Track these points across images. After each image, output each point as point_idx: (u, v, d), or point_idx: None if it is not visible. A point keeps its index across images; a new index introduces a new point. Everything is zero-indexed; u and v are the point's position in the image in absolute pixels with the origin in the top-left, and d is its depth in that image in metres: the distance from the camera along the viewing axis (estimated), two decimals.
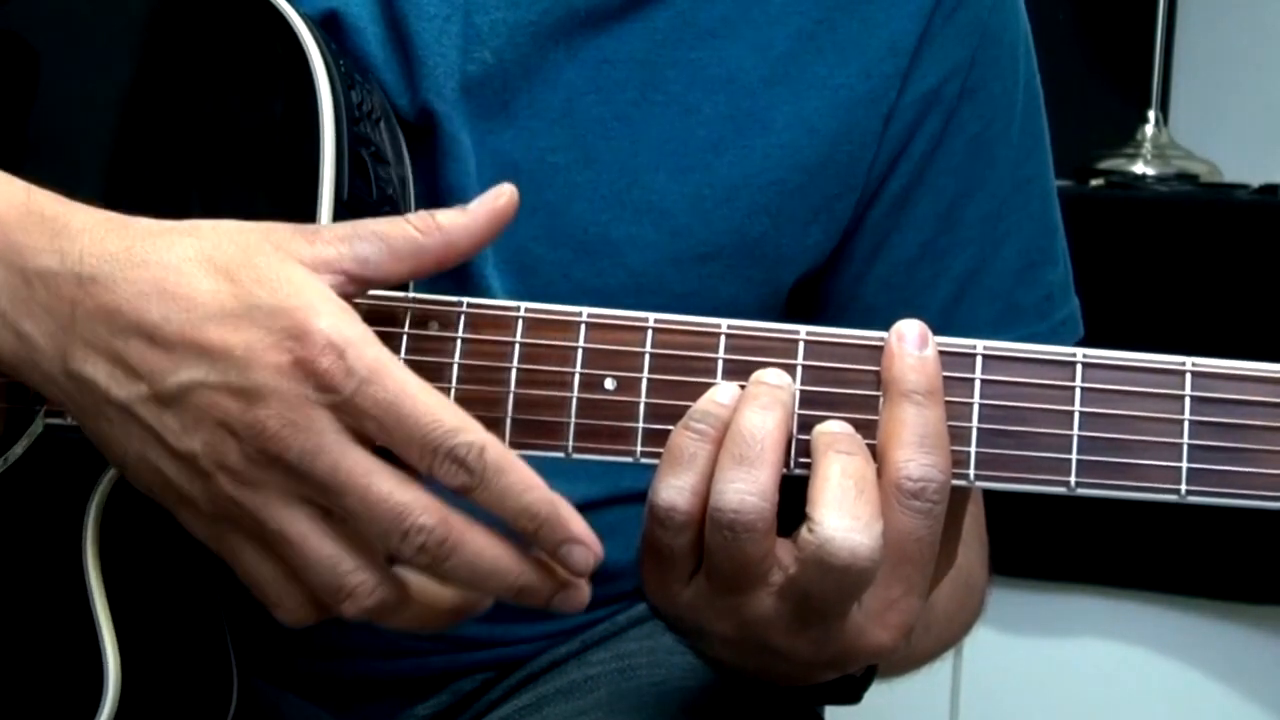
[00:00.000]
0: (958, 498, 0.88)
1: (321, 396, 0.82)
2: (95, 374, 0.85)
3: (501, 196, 0.88)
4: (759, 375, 0.87)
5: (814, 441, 0.87)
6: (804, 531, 0.84)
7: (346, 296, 0.85)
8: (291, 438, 0.82)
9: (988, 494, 1.12)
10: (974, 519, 1.15)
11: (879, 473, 0.86)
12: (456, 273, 1.02)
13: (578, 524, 0.85)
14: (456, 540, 0.84)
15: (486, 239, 0.88)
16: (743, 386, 0.87)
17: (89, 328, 0.85)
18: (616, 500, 1.13)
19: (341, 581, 0.85)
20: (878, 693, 0.99)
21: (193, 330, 0.83)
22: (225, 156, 0.96)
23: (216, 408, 0.83)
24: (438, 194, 1.04)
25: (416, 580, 0.87)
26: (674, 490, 0.86)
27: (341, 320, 0.83)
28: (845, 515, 0.84)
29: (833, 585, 0.84)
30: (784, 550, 0.86)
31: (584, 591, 0.87)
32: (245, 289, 0.83)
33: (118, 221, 0.87)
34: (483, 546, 0.85)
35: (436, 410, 0.83)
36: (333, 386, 0.82)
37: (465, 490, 0.83)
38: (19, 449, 0.94)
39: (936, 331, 0.88)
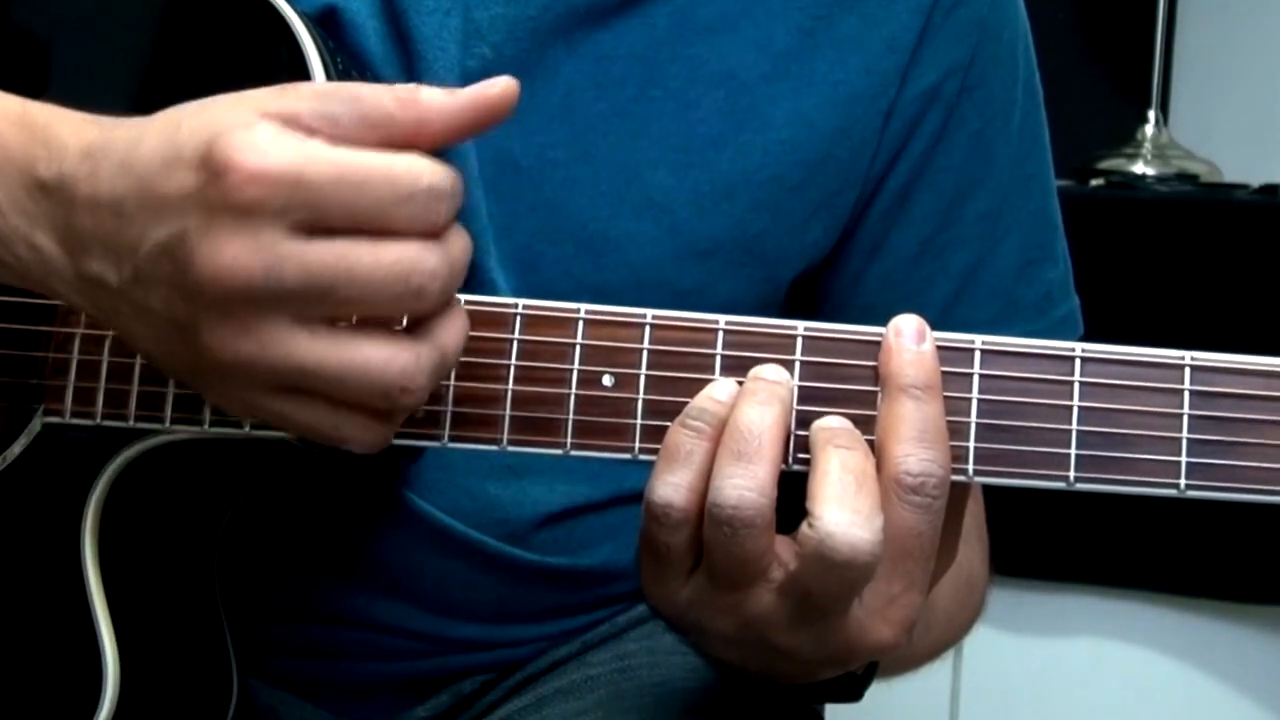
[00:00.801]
0: (958, 493, 0.88)
1: (258, 209, 0.78)
2: (96, 268, 0.83)
3: (494, 87, 0.82)
4: (757, 371, 0.87)
5: (813, 437, 0.87)
6: (804, 527, 0.84)
7: None
8: (249, 264, 0.78)
9: (987, 492, 1.12)
10: (974, 517, 1.15)
11: (878, 468, 0.86)
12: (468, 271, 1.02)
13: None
14: (452, 263, 0.81)
15: (466, 128, 0.82)
16: (740, 382, 0.87)
17: (82, 224, 0.83)
18: (619, 501, 1.13)
19: (384, 379, 0.81)
20: (878, 692, 0.99)
21: (142, 192, 0.80)
22: None
23: (178, 265, 0.79)
24: None
25: (437, 320, 0.83)
26: (670, 487, 0.85)
27: (256, 130, 0.78)
28: (845, 510, 0.83)
29: (834, 580, 0.84)
30: (784, 547, 0.86)
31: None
32: (178, 130, 0.80)
33: (105, 119, 0.85)
34: (462, 245, 0.82)
35: (386, 162, 0.79)
36: (265, 194, 0.77)
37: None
38: (17, 448, 0.94)
39: (936, 328, 0.88)
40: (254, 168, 0.77)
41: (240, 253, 0.77)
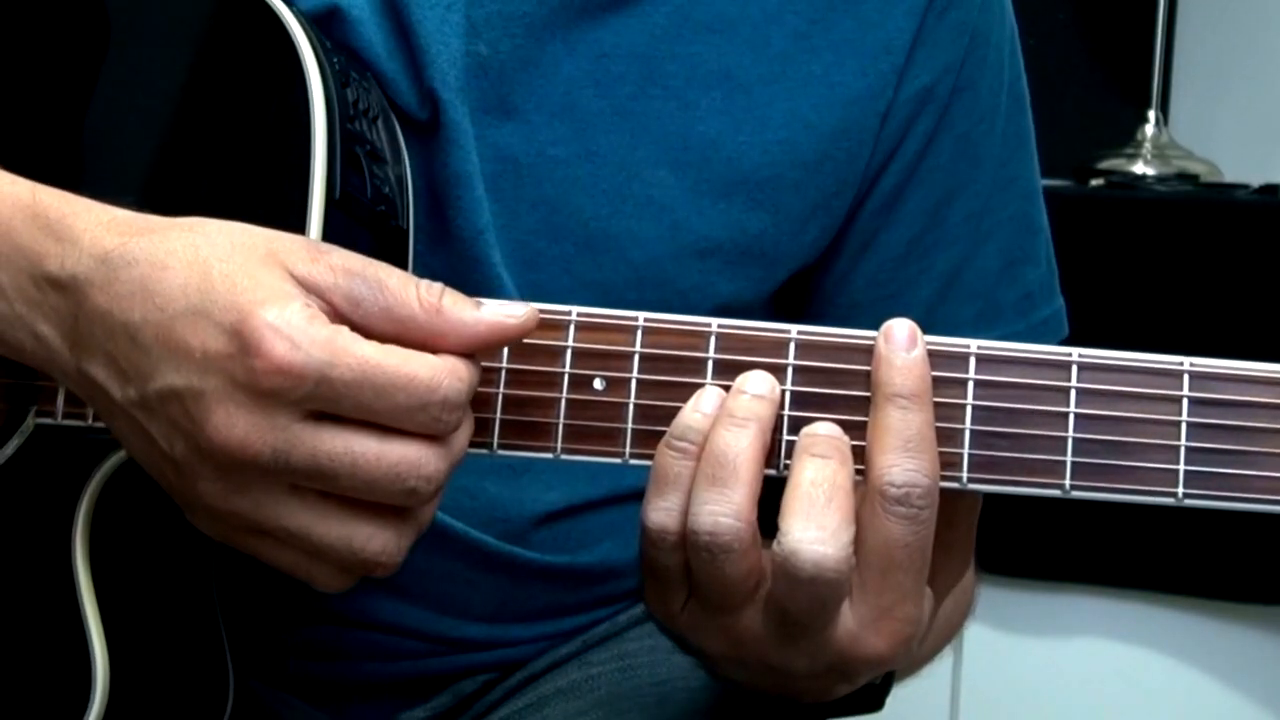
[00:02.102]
0: (968, 501, 0.87)
1: (279, 395, 0.81)
2: (98, 375, 0.85)
3: (518, 313, 0.85)
4: (741, 383, 0.87)
5: (798, 443, 0.86)
6: (775, 543, 0.84)
7: None
8: (259, 443, 0.81)
9: (986, 495, 1.12)
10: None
11: (865, 477, 0.85)
12: (470, 268, 1.02)
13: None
14: (452, 462, 0.84)
15: (481, 344, 0.85)
16: (728, 387, 0.87)
17: (89, 330, 0.84)
18: (616, 500, 1.13)
19: (361, 555, 0.84)
20: None
21: (164, 330, 0.82)
22: (219, 155, 0.96)
23: (185, 417, 0.82)
24: (441, 183, 1.03)
25: (428, 506, 0.86)
26: (663, 513, 0.85)
27: (288, 311, 0.81)
28: (810, 526, 0.83)
29: (803, 597, 0.84)
30: (768, 563, 0.86)
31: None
32: (210, 283, 0.82)
33: (121, 220, 0.86)
34: (464, 444, 0.85)
35: (407, 368, 0.82)
36: (288, 385, 0.80)
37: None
38: (10, 448, 0.94)
39: (921, 330, 0.87)
40: (282, 359, 0.80)
41: (252, 430, 0.81)
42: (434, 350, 0.83)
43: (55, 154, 0.97)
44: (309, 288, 0.82)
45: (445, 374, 0.82)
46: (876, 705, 0.97)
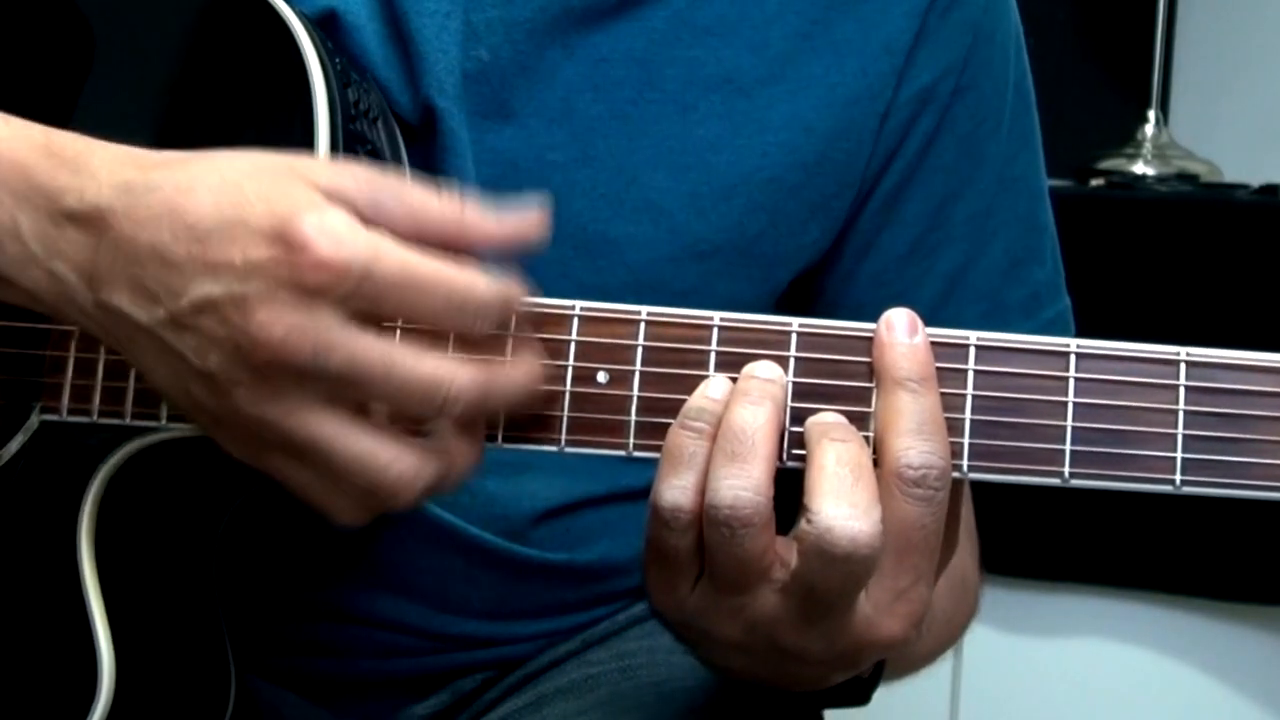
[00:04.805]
0: (955, 487, 0.88)
1: (323, 293, 0.82)
2: (120, 303, 0.85)
3: (528, 220, 0.87)
4: (749, 369, 0.87)
5: (808, 432, 0.86)
6: (802, 523, 0.84)
7: None
8: (300, 340, 0.82)
9: (986, 492, 1.12)
10: (964, 518, 1.15)
11: (878, 463, 0.86)
12: None
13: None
14: (490, 386, 0.85)
15: (499, 238, 0.87)
16: (734, 379, 0.87)
17: (111, 258, 0.85)
18: (616, 498, 1.13)
19: (381, 478, 0.85)
20: (878, 693, 0.99)
21: (197, 246, 0.83)
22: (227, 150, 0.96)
23: (225, 323, 0.82)
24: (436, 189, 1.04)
25: (454, 440, 0.87)
26: (677, 490, 0.85)
27: (329, 217, 0.82)
28: (843, 503, 0.83)
29: (836, 575, 0.84)
30: (784, 546, 0.86)
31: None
32: (244, 197, 0.83)
33: (137, 153, 0.87)
34: (513, 375, 0.87)
35: (446, 273, 0.83)
36: (337, 279, 0.81)
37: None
38: (15, 445, 0.94)
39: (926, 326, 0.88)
40: (327, 254, 0.81)
41: (294, 328, 0.81)
42: (456, 249, 0.85)
43: None
44: (335, 195, 0.83)
45: (480, 278, 0.84)
46: (864, 699, 0.97)
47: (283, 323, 0.81)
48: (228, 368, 0.83)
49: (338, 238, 0.81)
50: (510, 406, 0.87)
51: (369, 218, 0.84)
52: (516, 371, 0.87)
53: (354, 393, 0.84)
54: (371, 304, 0.82)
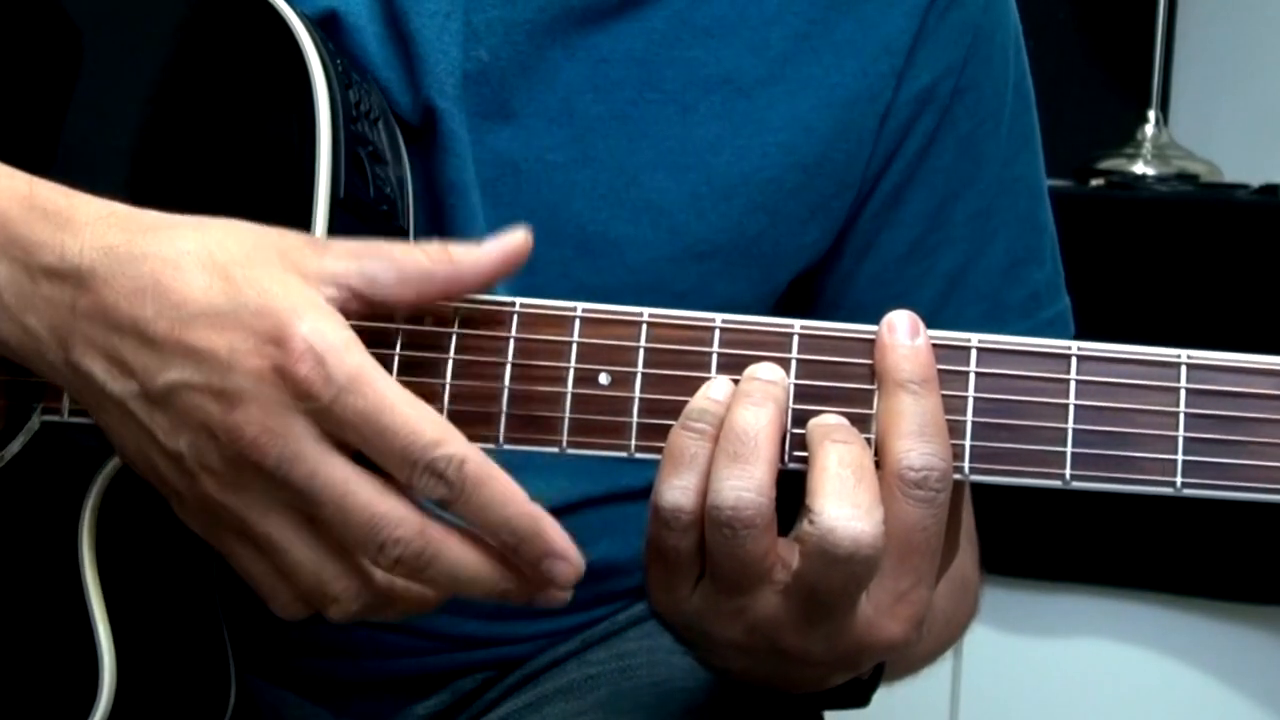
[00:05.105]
0: (956, 489, 0.88)
1: (300, 403, 0.82)
2: (93, 369, 0.85)
3: (515, 238, 0.87)
4: (752, 371, 0.87)
5: (809, 433, 0.87)
6: (804, 524, 0.84)
7: (348, 314, 0.85)
8: (269, 444, 0.82)
9: (986, 493, 1.12)
10: (964, 519, 1.15)
11: (880, 465, 0.86)
12: None
13: (558, 538, 0.85)
14: (434, 552, 0.84)
15: (495, 276, 0.87)
16: (736, 381, 0.87)
17: (88, 323, 0.85)
18: (615, 498, 1.13)
19: (325, 588, 0.86)
20: (878, 693, 0.99)
21: (181, 329, 0.83)
22: (222, 155, 0.96)
23: (199, 410, 0.83)
24: (437, 191, 1.04)
25: (400, 582, 0.87)
26: (678, 491, 0.85)
27: (324, 326, 0.82)
28: (845, 504, 0.83)
29: (838, 576, 0.84)
30: (786, 548, 0.86)
31: (566, 594, 0.87)
32: (236, 288, 0.83)
33: (122, 214, 0.86)
34: (460, 556, 0.85)
35: (416, 422, 0.82)
36: (311, 394, 0.82)
37: (445, 503, 0.84)
38: (16, 446, 0.94)
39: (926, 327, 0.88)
40: (315, 365, 0.81)
41: (267, 431, 0.82)
42: (457, 296, 0.86)
43: (48, 147, 0.97)
44: (325, 280, 0.84)
45: (450, 437, 0.83)
46: (864, 700, 0.97)
47: (258, 423, 0.82)
48: (197, 451, 0.84)
49: (328, 350, 0.82)
50: (451, 582, 0.86)
51: (362, 292, 0.85)
52: (467, 553, 0.85)
53: (307, 507, 0.84)
54: (336, 428, 0.83)
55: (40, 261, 0.86)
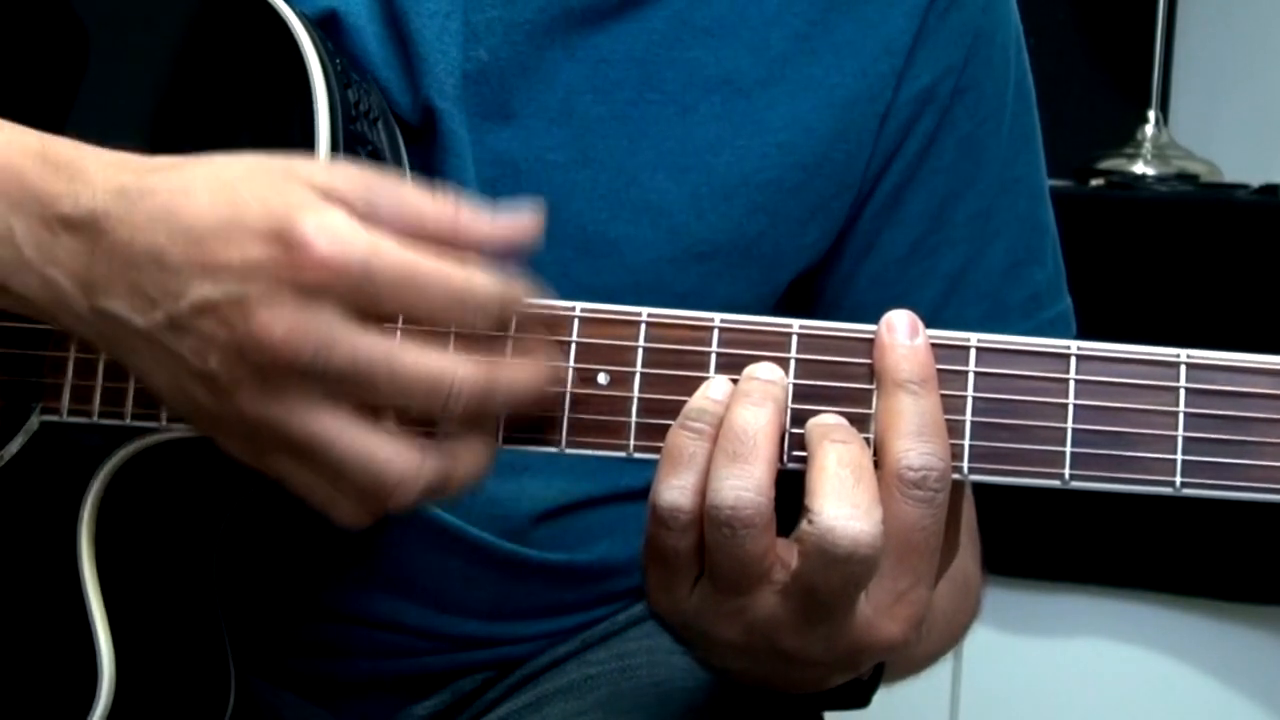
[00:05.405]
0: (955, 489, 0.88)
1: (323, 291, 0.81)
2: (117, 308, 0.85)
3: (521, 217, 0.87)
4: (751, 370, 0.87)
5: (808, 433, 0.87)
6: (804, 524, 0.84)
7: None
8: (303, 337, 0.81)
9: (986, 493, 1.12)
10: (965, 519, 1.15)
11: (879, 465, 0.86)
12: None
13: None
14: (493, 376, 0.85)
15: (490, 242, 0.86)
16: (735, 381, 0.87)
17: (107, 263, 0.85)
18: (615, 498, 1.13)
19: (383, 477, 0.84)
20: (878, 693, 0.99)
21: (195, 248, 0.83)
22: (222, 154, 0.96)
23: (225, 324, 0.82)
24: (435, 190, 1.04)
25: (457, 442, 0.87)
26: (676, 490, 0.85)
27: (328, 216, 0.82)
28: (844, 504, 0.83)
29: (837, 576, 0.84)
30: (785, 548, 0.86)
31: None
32: (241, 200, 0.83)
33: (131, 159, 0.87)
34: (514, 369, 0.86)
35: (448, 270, 0.83)
36: (339, 270, 0.81)
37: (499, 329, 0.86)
38: (15, 446, 0.94)
39: (927, 327, 0.88)
40: (327, 253, 0.81)
41: (295, 328, 0.81)
42: (450, 249, 0.85)
43: None
44: (331, 195, 0.83)
45: (479, 274, 0.84)
46: (864, 701, 0.97)
47: (283, 322, 0.81)
48: (228, 368, 0.83)
49: (337, 236, 0.81)
50: (516, 404, 0.86)
51: (365, 218, 0.84)
52: (521, 368, 0.86)
53: (357, 391, 0.83)
54: (372, 302, 0.82)
55: (57, 212, 0.86)
